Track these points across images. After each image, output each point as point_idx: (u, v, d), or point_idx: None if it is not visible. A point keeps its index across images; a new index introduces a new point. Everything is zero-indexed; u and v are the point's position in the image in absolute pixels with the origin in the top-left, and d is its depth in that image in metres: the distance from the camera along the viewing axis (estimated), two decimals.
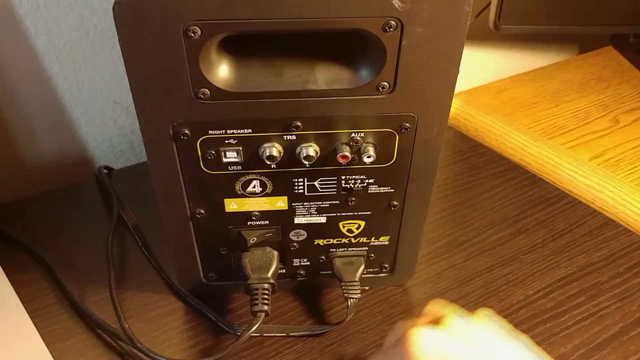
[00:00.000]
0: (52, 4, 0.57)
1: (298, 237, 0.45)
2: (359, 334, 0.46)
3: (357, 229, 0.45)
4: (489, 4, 0.70)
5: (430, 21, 0.33)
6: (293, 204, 0.43)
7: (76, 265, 0.52)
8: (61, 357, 0.43)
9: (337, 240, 0.46)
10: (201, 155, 0.39)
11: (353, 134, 0.39)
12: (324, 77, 0.37)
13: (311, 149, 0.39)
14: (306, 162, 0.39)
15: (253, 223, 0.43)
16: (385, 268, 0.48)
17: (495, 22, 0.70)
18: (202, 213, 0.42)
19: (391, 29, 0.34)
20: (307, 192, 0.42)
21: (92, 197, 0.61)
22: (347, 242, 0.46)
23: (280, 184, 0.41)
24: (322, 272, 0.48)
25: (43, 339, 0.44)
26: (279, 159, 0.39)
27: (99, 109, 0.65)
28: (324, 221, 0.44)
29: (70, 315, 0.47)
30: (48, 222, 0.52)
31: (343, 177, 0.41)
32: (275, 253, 0.45)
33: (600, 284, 0.51)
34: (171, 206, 0.42)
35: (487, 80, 0.85)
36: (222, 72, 0.36)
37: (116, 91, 0.65)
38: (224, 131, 0.38)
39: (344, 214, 0.44)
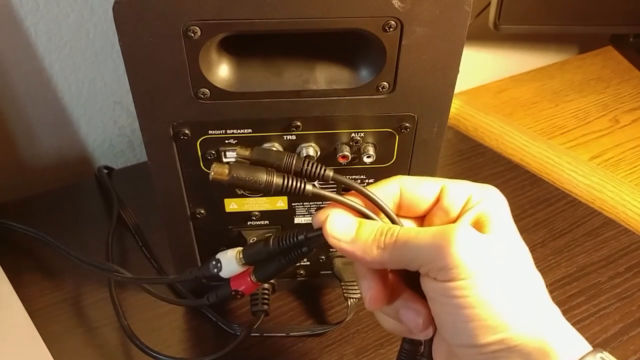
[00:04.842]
0: (52, 4, 0.57)
1: None
2: (359, 334, 0.46)
3: None
4: (489, 4, 0.70)
5: (430, 21, 0.33)
6: (293, 204, 0.43)
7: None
8: (61, 357, 0.43)
9: None
10: (201, 155, 0.39)
11: (353, 134, 0.39)
12: (324, 77, 0.37)
13: (311, 149, 0.39)
14: None
15: (253, 223, 0.43)
16: None
17: (495, 22, 0.70)
18: (202, 213, 0.42)
19: (391, 29, 0.34)
20: None
21: (92, 197, 0.61)
22: None
23: None
24: (322, 272, 0.48)
25: (43, 339, 0.44)
26: None
27: (99, 109, 0.65)
28: None
29: (70, 315, 0.47)
30: (48, 222, 0.52)
31: None
32: None
33: (600, 284, 0.51)
34: (171, 206, 0.42)
35: (487, 80, 0.85)
36: (222, 72, 0.36)
37: (116, 91, 0.65)
38: (224, 131, 0.38)
39: None
